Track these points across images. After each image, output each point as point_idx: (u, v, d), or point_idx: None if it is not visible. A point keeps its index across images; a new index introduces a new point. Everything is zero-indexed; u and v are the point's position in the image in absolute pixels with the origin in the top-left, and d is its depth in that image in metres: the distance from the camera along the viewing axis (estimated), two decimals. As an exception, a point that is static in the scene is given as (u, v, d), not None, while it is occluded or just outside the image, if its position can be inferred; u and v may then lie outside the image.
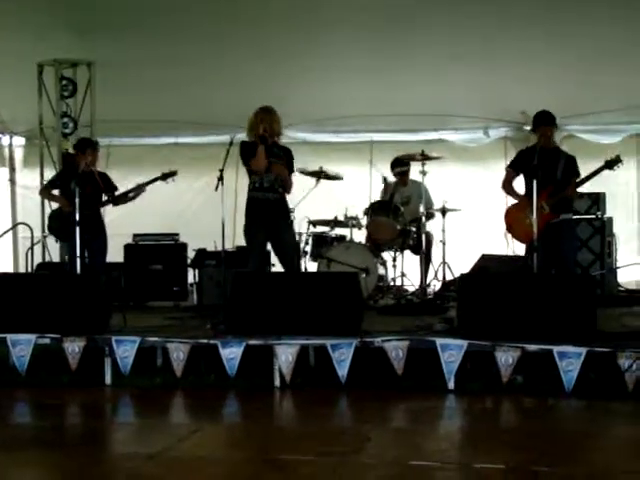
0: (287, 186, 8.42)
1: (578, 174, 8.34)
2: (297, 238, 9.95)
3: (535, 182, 7.76)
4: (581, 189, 8.56)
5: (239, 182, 11.42)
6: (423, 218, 10.08)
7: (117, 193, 9.48)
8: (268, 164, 8.20)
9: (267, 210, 8.30)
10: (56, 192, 9.54)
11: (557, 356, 6.52)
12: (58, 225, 9.31)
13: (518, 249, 9.47)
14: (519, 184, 8.53)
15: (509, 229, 8.57)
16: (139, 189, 9.41)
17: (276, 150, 8.39)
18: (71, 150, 10.87)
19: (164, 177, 9.37)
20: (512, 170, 8.62)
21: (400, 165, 10.56)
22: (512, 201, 8.69)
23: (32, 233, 10.98)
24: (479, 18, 9.68)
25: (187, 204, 12.68)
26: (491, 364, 6.70)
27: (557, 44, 10.05)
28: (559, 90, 10.10)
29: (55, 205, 9.68)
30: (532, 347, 6.65)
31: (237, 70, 10.84)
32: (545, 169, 8.07)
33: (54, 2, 9.64)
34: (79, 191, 8.75)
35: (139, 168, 11.34)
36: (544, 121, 8.34)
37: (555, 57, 10.29)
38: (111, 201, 9.51)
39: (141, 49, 10.44)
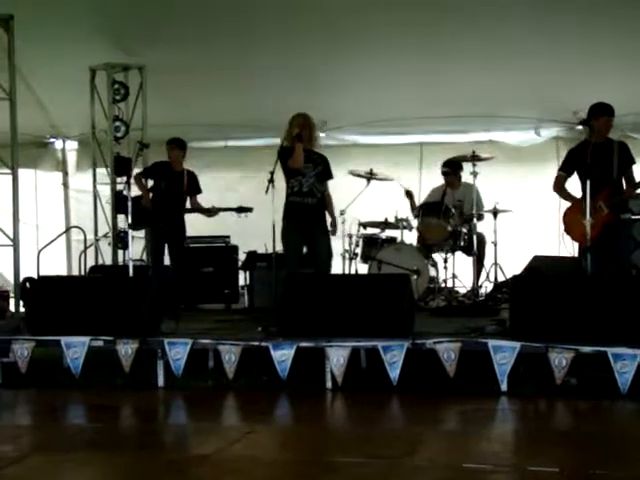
0: (329, 205, 8.71)
1: (633, 161, 8.13)
2: (348, 240, 10.01)
3: (589, 182, 7.60)
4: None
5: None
6: (474, 219, 9.98)
7: (196, 205, 9.83)
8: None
9: (305, 215, 8.44)
10: (146, 182, 9.88)
11: (612, 358, 6.45)
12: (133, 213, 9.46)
13: (571, 249, 9.35)
14: (574, 184, 8.35)
15: (567, 230, 8.39)
16: (212, 212, 9.67)
17: (315, 156, 8.55)
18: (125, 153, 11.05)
19: (239, 210, 9.58)
20: (564, 172, 8.34)
21: (444, 166, 10.51)
22: (567, 202, 8.51)
23: (85, 236, 11.09)
24: (528, 18, 9.61)
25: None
26: (544, 366, 6.64)
27: (609, 43, 9.93)
28: (612, 89, 9.95)
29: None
30: (586, 349, 6.58)
31: (286, 73, 10.85)
32: (600, 167, 7.82)
33: (106, 8, 9.72)
34: (165, 189, 9.42)
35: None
36: (607, 111, 7.99)
37: (607, 56, 10.17)
38: (192, 209, 9.79)
39: (191, 53, 10.51)
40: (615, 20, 9.50)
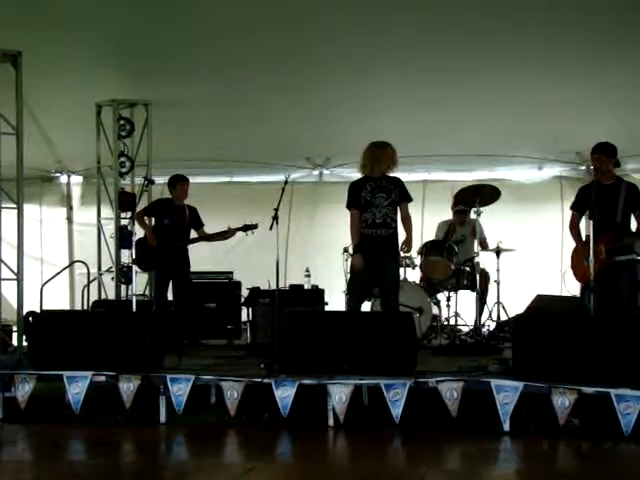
0: (409, 224, 8.42)
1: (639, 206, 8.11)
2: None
3: (592, 223, 7.59)
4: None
5: (292, 221, 11.49)
6: (476, 258, 9.93)
7: (203, 233, 9.88)
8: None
9: (376, 247, 8.25)
10: (149, 221, 9.92)
11: (615, 399, 6.42)
12: (138, 255, 9.45)
13: (574, 289, 9.33)
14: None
15: (572, 267, 8.37)
16: (219, 236, 9.80)
17: (388, 184, 8.39)
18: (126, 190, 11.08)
19: (245, 228, 9.65)
20: (576, 211, 8.31)
21: (461, 204, 10.50)
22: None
23: (88, 270, 11.10)
24: (532, 60, 9.67)
25: (239, 242, 12.70)
26: (547, 406, 6.62)
27: (613, 84, 9.99)
28: (615, 130, 10.01)
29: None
30: (589, 390, 6.57)
31: (291, 110, 10.91)
32: (604, 209, 7.83)
33: (112, 44, 9.80)
34: (169, 225, 9.50)
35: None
36: (596, 149, 8.05)
37: (612, 96, 10.22)
38: (201, 239, 9.82)
39: (197, 90, 10.56)
40: (619, 63, 9.55)
